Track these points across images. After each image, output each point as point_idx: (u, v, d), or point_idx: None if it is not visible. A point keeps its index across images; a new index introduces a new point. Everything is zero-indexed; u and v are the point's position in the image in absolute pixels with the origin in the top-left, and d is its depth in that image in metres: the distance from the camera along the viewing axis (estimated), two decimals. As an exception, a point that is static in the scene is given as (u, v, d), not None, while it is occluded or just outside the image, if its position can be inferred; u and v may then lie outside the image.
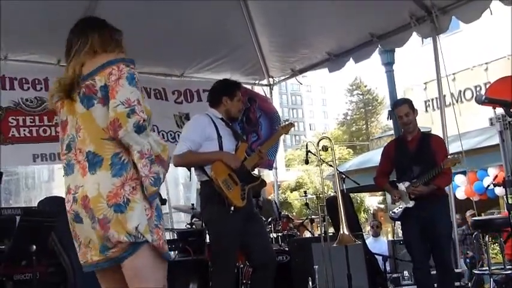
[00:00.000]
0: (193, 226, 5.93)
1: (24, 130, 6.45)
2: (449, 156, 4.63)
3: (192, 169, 4.46)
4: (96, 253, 2.46)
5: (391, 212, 5.03)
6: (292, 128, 5.10)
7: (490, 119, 6.90)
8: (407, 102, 5.03)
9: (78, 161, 2.50)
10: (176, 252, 5.07)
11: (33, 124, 6.51)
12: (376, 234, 9.56)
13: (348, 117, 54.20)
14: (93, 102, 2.47)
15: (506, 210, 6.82)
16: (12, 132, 6.36)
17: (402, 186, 4.85)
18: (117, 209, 2.36)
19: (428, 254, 4.82)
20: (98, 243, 2.44)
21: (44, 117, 6.57)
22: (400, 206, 4.89)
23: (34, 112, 6.55)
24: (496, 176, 9.36)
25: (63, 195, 2.64)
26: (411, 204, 4.78)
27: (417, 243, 4.80)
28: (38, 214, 4.12)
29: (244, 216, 4.19)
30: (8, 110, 6.40)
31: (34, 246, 3.71)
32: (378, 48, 7.15)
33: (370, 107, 52.38)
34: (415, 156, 4.85)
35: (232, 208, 4.06)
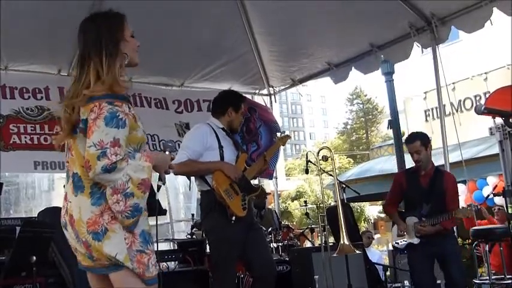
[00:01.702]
0: (194, 236, 5.91)
1: (25, 137, 6.47)
2: (462, 207, 4.59)
3: (192, 179, 4.46)
4: (84, 259, 2.50)
5: (394, 242, 5.00)
6: (293, 137, 5.12)
7: (490, 129, 6.89)
8: (420, 138, 4.88)
9: (69, 176, 2.55)
10: (176, 262, 5.05)
11: (34, 132, 6.53)
12: (367, 245, 9.57)
13: (348, 127, 54.18)
14: (77, 131, 2.51)
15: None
16: (14, 139, 6.38)
17: (410, 221, 4.82)
18: (95, 237, 2.38)
19: (434, 284, 4.79)
20: (85, 253, 2.46)
21: (45, 126, 6.59)
22: (405, 239, 4.87)
23: (35, 120, 6.58)
24: (496, 186, 9.34)
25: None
26: (416, 241, 4.75)
27: (423, 270, 4.72)
28: (37, 225, 4.11)
29: (244, 226, 4.21)
30: (9, 118, 6.43)
31: (34, 257, 3.70)
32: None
33: (370, 116, 52.38)
34: (426, 193, 4.80)
35: (233, 218, 4.08)
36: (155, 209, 2.63)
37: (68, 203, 2.53)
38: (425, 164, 4.84)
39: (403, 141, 4.97)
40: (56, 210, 4.23)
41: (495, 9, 5.57)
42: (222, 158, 4.25)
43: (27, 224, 4.04)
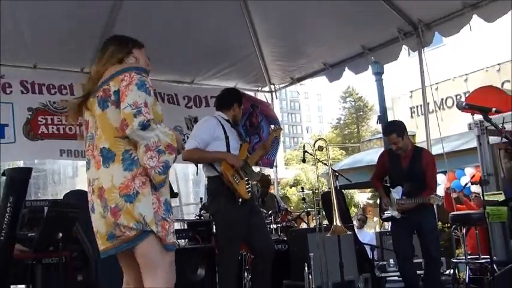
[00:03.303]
0: (202, 217, 5.93)
1: (52, 128, 6.52)
2: (435, 195, 4.57)
3: (200, 166, 4.48)
4: (102, 242, 2.50)
5: (382, 214, 5.03)
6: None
7: (469, 125, 6.87)
8: (395, 131, 4.82)
9: (94, 156, 2.55)
10: (186, 240, 5.07)
11: (60, 123, 6.58)
12: (360, 227, 9.64)
13: (341, 122, 53.99)
14: (108, 105, 2.52)
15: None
16: (42, 129, 6.44)
17: (393, 196, 4.85)
18: (127, 199, 2.39)
19: (413, 251, 4.81)
20: (105, 231, 2.46)
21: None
22: (389, 212, 4.89)
23: (60, 113, 6.61)
24: (474, 176, 9.33)
25: (86, 189, 2.68)
26: (398, 216, 4.79)
27: (402, 240, 4.82)
28: (63, 205, 4.13)
29: (248, 208, 4.24)
30: (38, 111, 6.49)
31: (60, 234, 3.73)
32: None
33: (361, 113, 52.20)
34: (406, 173, 4.82)
35: (240, 200, 4.12)
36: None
37: (94, 182, 2.52)
38: (404, 149, 4.84)
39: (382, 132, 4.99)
40: (80, 193, 4.27)
41: (475, 16, 5.56)
42: (228, 146, 4.28)
43: (54, 205, 4.07)
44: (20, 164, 7.16)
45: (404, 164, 4.85)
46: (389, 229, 5.53)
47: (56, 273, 3.75)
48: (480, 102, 4.97)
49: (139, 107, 2.38)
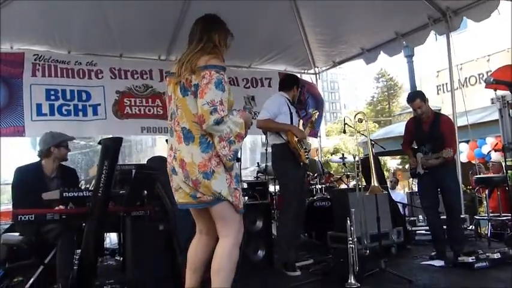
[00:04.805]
0: (259, 179, 5.94)
1: (135, 108, 6.61)
2: (445, 149, 4.34)
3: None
4: (184, 196, 2.49)
5: (411, 172, 4.87)
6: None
7: (492, 99, 6.51)
8: (419, 96, 4.66)
9: (176, 130, 2.53)
10: (247, 197, 5.10)
11: (141, 104, 6.66)
12: (392, 188, 9.36)
13: (374, 99, 52.55)
14: (188, 93, 2.47)
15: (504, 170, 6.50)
16: (127, 110, 6.55)
17: (418, 156, 4.71)
18: (205, 176, 2.38)
19: (437, 204, 4.64)
20: (189, 191, 2.46)
21: (149, 100, 6.72)
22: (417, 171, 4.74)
23: (142, 95, 6.71)
24: (496, 144, 8.86)
25: (164, 156, 2.68)
26: (422, 171, 4.65)
27: (427, 195, 4.67)
28: (147, 168, 4.20)
29: (304, 171, 4.48)
30: (124, 94, 6.59)
31: (145, 192, 3.81)
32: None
33: (392, 91, 50.57)
34: (427, 135, 4.64)
35: (301, 163, 4.30)
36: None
37: (176, 151, 2.50)
38: (427, 114, 4.65)
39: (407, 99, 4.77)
40: (160, 159, 4.34)
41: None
42: (291, 120, 4.37)
43: (140, 168, 4.15)
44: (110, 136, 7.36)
45: (425, 128, 4.68)
46: (417, 189, 5.34)
47: (142, 223, 3.83)
48: (505, 78, 4.67)
49: (215, 106, 2.34)
